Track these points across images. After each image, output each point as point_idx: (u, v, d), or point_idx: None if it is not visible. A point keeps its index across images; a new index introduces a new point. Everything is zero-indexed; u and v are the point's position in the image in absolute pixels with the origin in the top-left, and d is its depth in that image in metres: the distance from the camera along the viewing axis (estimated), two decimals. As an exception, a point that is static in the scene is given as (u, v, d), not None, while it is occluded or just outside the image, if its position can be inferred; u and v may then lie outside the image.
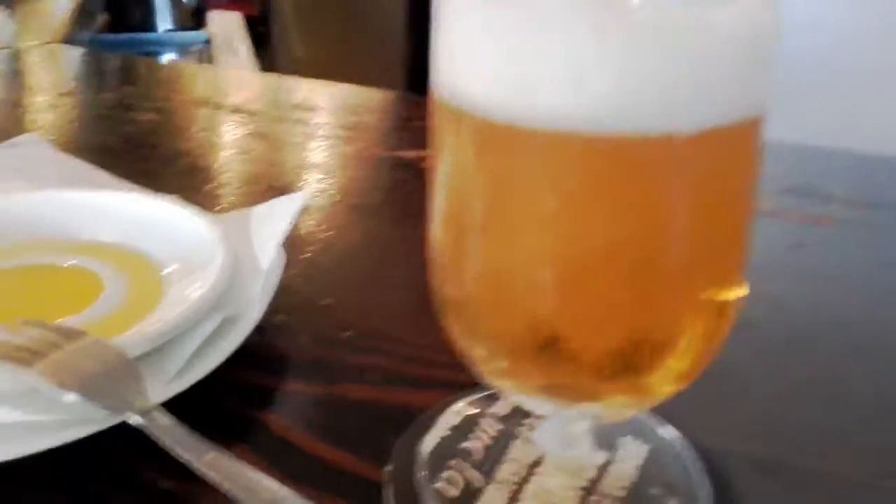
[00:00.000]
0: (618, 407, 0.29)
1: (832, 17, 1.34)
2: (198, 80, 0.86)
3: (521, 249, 0.27)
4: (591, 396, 0.29)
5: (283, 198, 0.43)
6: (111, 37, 2.36)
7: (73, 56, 0.94)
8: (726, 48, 0.24)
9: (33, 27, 1.09)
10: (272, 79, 1.02)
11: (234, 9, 3.36)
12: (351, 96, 0.80)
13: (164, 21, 2.46)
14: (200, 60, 2.41)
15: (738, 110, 0.25)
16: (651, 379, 0.28)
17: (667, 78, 0.23)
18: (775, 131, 0.71)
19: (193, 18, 2.50)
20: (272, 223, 0.41)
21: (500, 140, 0.26)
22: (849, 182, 0.63)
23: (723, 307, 0.28)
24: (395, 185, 0.61)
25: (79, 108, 0.73)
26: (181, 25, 2.48)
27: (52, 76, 0.84)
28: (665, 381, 0.28)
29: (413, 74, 3.09)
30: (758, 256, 0.50)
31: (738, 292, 0.29)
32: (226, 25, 2.73)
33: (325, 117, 0.74)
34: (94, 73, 0.87)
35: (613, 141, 0.24)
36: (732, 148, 0.26)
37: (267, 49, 3.43)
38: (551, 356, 0.28)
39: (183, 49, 2.44)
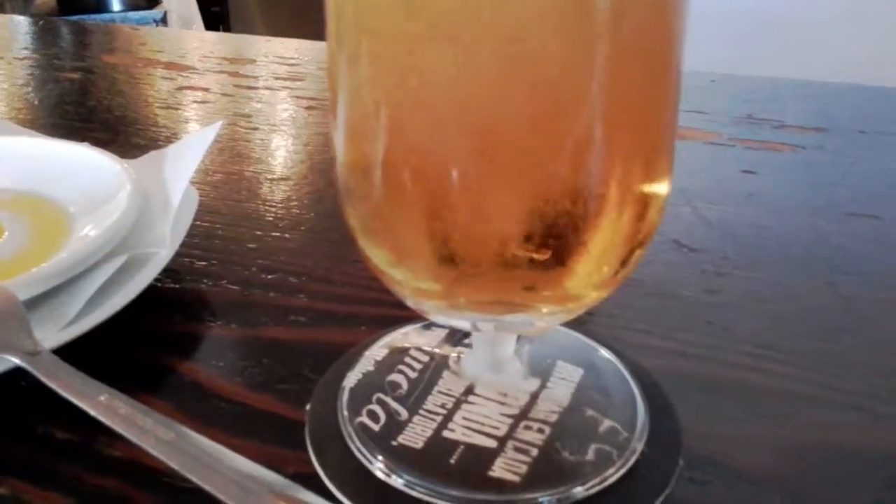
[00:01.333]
0: (543, 316, 0.27)
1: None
2: (130, 38, 0.82)
3: (415, 132, 0.24)
4: (515, 308, 0.27)
5: (197, 133, 0.40)
6: (62, 19, 2.29)
7: (3, 23, 0.90)
8: None
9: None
10: (207, 35, 0.99)
11: (189, -14, 3.29)
12: (290, 49, 0.77)
13: (115, 1, 2.39)
14: (155, 39, 2.35)
15: None
16: (573, 285, 0.26)
17: None
18: (728, 64, 0.69)
19: (146, -3, 2.44)
20: (185, 159, 0.38)
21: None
22: (800, 109, 0.61)
23: (648, 200, 0.26)
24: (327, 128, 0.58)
25: (4, 70, 0.70)
26: (134, 5, 2.41)
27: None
28: (588, 286, 0.26)
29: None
30: (707, 183, 0.49)
31: (665, 186, 0.26)
32: (181, 4, 2.66)
33: (263, 69, 0.71)
34: (20, 38, 0.83)
35: None
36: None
37: (224, 28, 3.37)
38: (469, 273, 0.26)
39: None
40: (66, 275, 0.31)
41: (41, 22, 0.85)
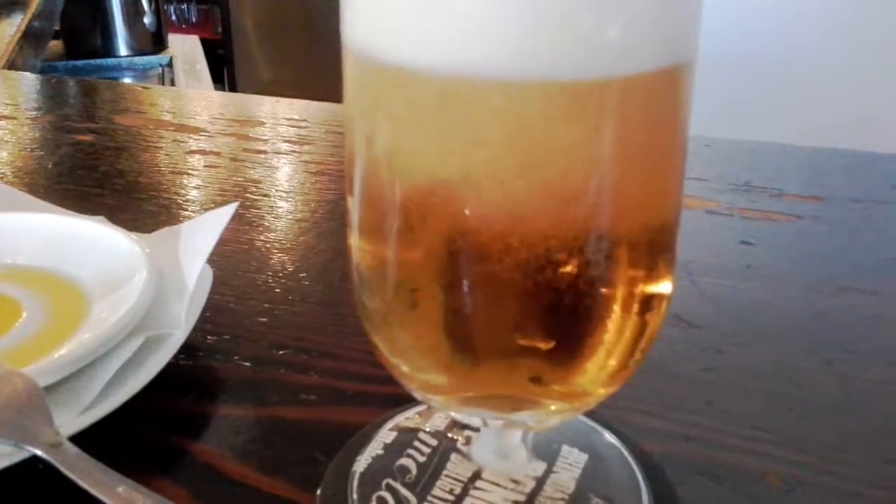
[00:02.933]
0: (551, 414, 0.28)
1: (785, 18, 1.35)
2: (141, 99, 0.84)
3: (430, 249, 0.26)
4: (523, 405, 0.28)
5: (212, 212, 0.41)
6: (67, 63, 2.33)
7: (14, 80, 0.92)
8: None
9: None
10: (218, 95, 1.01)
11: (193, 31, 3.35)
12: (300, 110, 0.78)
13: (122, 45, 2.43)
14: (162, 84, 2.38)
15: (661, 57, 0.23)
16: (581, 381, 0.27)
17: (573, 26, 0.21)
18: (726, 130, 0.71)
19: (153, 42, 2.48)
20: (200, 239, 0.40)
21: (402, 92, 0.23)
22: (799, 177, 0.63)
23: (653, 301, 0.27)
24: (341, 198, 0.59)
25: (15, 132, 0.71)
26: (140, 49, 2.45)
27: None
28: (596, 382, 0.27)
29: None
30: (706, 254, 0.50)
31: (668, 286, 0.28)
32: (186, 48, 2.70)
33: (272, 132, 0.72)
34: (34, 97, 0.85)
35: (521, 91, 0.22)
36: (667, 96, 0.24)
37: (228, 71, 3.41)
38: (478, 368, 0.27)
39: (142, 73, 2.41)
40: (85, 360, 0.32)
41: (53, 80, 0.87)
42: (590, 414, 0.35)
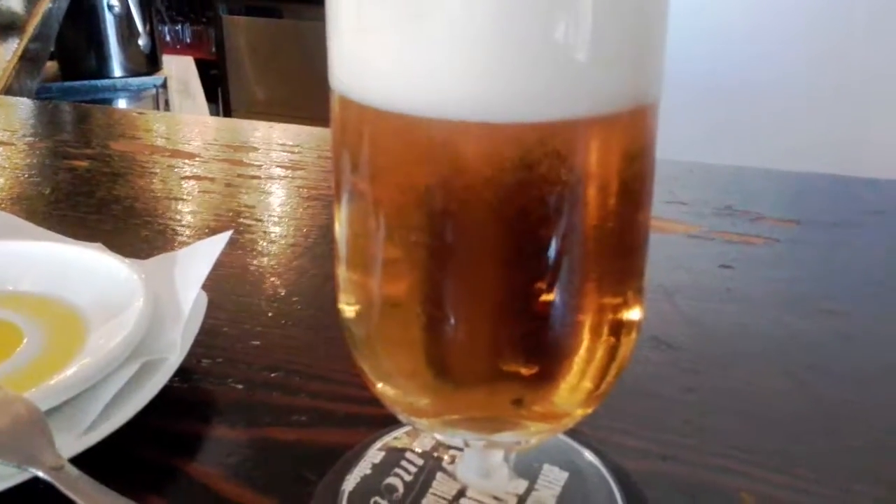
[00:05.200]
0: (531, 434, 0.29)
1: (765, 46, 1.38)
2: (136, 124, 0.86)
3: (413, 280, 0.27)
4: (504, 426, 0.29)
5: (207, 239, 0.43)
6: (62, 84, 2.35)
7: (11, 105, 0.93)
8: (609, 34, 0.23)
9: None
10: (212, 121, 1.02)
11: (187, 52, 3.37)
12: (293, 135, 0.80)
13: (117, 66, 2.45)
14: (157, 104, 2.40)
15: (628, 99, 0.24)
16: (559, 402, 0.28)
17: (538, 70, 0.22)
18: (708, 155, 0.73)
19: (147, 63, 2.49)
20: (195, 266, 0.41)
21: (384, 133, 0.25)
22: (778, 201, 0.64)
23: (623, 326, 0.29)
24: (331, 223, 0.61)
25: (12, 158, 0.73)
26: (135, 70, 2.47)
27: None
28: (573, 403, 0.28)
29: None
30: (685, 278, 0.51)
31: (638, 313, 0.29)
32: (180, 69, 2.73)
33: (266, 157, 0.74)
34: (31, 122, 0.86)
35: (491, 133, 0.23)
36: (632, 135, 0.26)
37: (222, 91, 3.44)
38: (460, 392, 0.29)
39: (137, 94, 2.43)
40: (85, 385, 0.33)
41: (49, 106, 0.88)
42: (570, 433, 0.36)
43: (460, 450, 0.34)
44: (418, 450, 0.35)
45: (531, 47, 0.22)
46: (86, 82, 2.39)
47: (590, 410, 0.29)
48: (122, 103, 2.42)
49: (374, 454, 0.35)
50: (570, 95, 0.23)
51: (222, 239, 0.41)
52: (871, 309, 0.49)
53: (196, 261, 0.41)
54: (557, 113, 0.23)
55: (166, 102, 2.40)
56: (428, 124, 0.23)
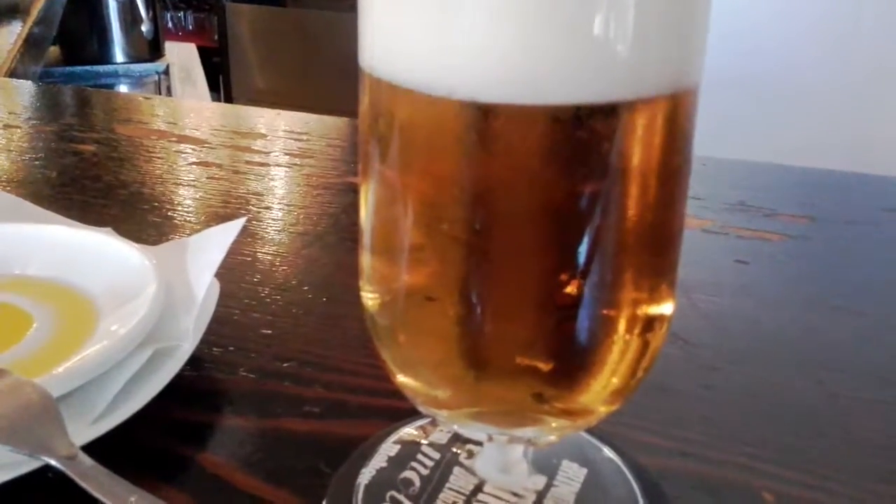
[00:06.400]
0: (553, 430, 0.29)
1: (779, 39, 1.37)
2: (143, 109, 0.85)
3: (440, 268, 0.26)
4: (526, 421, 0.28)
5: (220, 226, 0.42)
6: (64, 69, 2.34)
7: (16, 89, 0.92)
8: (650, 15, 0.22)
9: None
10: (219, 107, 1.01)
11: (191, 39, 3.36)
12: (301, 123, 0.79)
13: (119, 52, 2.43)
14: (158, 91, 2.39)
15: (667, 83, 0.24)
16: (584, 400, 0.28)
17: (573, 51, 0.22)
18: (723, 150, 0.72)
19: (150, 49, 2.48)
20: (208, 252, 0.40)
21: (418, 116, 0.24)
22: (792, 197, 0.64)
23: (654, 321, 0.28)
24: (343, 211, 0.60)
25: (19, 142, 0.72)
26: (137, 57, 2.46)
27: (-5, 110, 0.83)
28: (597, 401, 0.28)
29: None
30: (701, 273, 0.51)
31: (669, 307, 0.28)
32: (183, 56, 2.71)
33: (274, 144, 0.73)
34: (37, 106, 0.86)
35: (525, 116, 0.22)
36: (669, 123, 0.25)
37: (224, 79, 3.42)
38: (482, 384, 0.28)
39: (139, 81, 2.42)
40: (97, 371, 0.33)
41: (55, 89, 0.88)
42: (589, 429, 0.36)
43: (477, 444, 0.34)
44: (434, 443, 0.34)
45: (570, 28, 0.21)
46: (88, 68, 2.38)
47: (614, 408, 0.29)
48: (123, 89, 2.41)
49: (390, 447, 0.34)
50: (610, 77, 0.22)
51: (236, 226, 0.40)
52: (885, 307, 0.48)
53: (209, 247, 0.41)
54: (596, 95, 0.22)
55: (168, 89, 2.39)
56: (463, 107, 0.23)
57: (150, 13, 2.45)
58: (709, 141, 0.79)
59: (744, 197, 0.62)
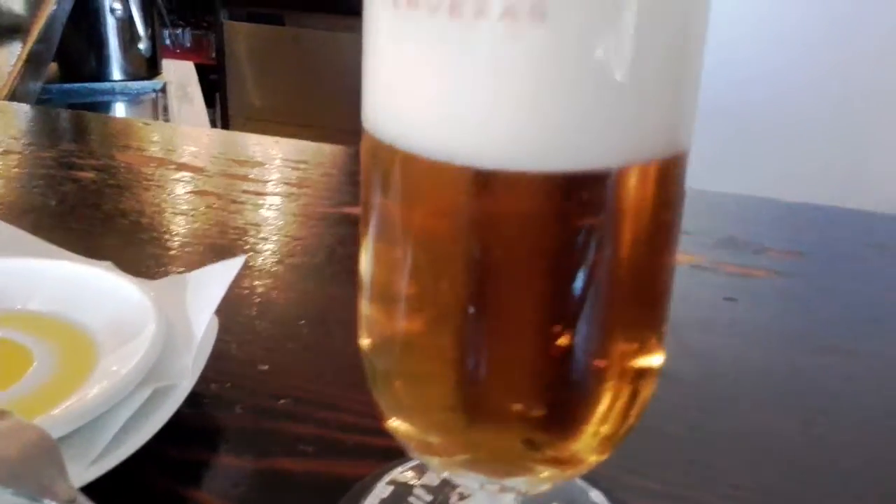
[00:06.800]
0: (543, 480, 0.29)
1: (768, 70, 1.39)
2: (141, 135, 0.86)
3: (437, 319, 0.27)
4: (517, 470, 0.29)
5: (220, 263, 0.43)
6: (62, 87, 2.34)
7: (15, 112, 0.93)
8: (645, 84, 0.24)
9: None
10: (217, 134, 1.02)
11: (188, 56, 3.37)
12: (298, 151, 0.80)
13: (117, 70, 2.45)
14: (155, 109, 2.40)
15: (658, 149, 0.25)
16: (574, 449, 0.28)
17: (572, 119, 0.23)
18: (711, 182, 0.73)
19: (147, 68, 2.49)
20: (208, 289, 0.41)
21: (421, 179, 0.25)
22: (781, 233, 0.65)
23: (644, 373, 0.29)
24: (339, 243, 0.61)
25: (18, 168, 0.73)
26: (135, 74, 2.47)
27: (-6, 134, 0.83)
28: (587, 450, 0.29)
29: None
30: (690, 310, 0.52)
31: (659, 358, 0.29)
32: (180, 74, 2.73)
33: (272, 173, 0.74)
34: (36, 131, 0.86)
35: (521, 181, 0.23)
36: (659, 186, 0.26)
37: (221, 98, 3.44)
38: (475, 432, 0.29)
39: (136, 98, 2.43)
40: (97, 411, 0.33)
41: (54, 113, 0.88)
42: (579, 471, 0.36)
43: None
44: (427, 485, 0.35)
45: (567, 100, 0.22)
46: (85, 85, 2.39)
47: (604, 457, 0.29)
48: (120, 107, 2.42)
49: (383, 488, 0.35)
50: (604, 145, 0.23)
51: (236, 264, 0.41)
52: (872, 347, 0.49)
53: (209, 284, 0.41)
54: (590, 163, 0.23)
55: (165, 108, 2.40)
56: (462, 172, 0.23)
57: (149, 31, 2.46)
58: (701, 173, 0.80)
59: (734, 232, 0.64)
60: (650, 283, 0.27)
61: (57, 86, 2.34)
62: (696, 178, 0.73)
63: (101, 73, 2.42)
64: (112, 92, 2.42)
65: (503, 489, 0.29)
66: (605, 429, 0.28)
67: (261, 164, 0.76)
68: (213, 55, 3.49)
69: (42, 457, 0.30)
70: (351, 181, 0.74)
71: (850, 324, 0.52)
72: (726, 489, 0.36)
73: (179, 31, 3.74)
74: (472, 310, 0.26)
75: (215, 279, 0.42)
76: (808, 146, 1.35)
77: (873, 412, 0.43)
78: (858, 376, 0.46)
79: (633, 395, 0.28)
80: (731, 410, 0.42)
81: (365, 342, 0.30)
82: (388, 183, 0.26)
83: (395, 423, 0.30)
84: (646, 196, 0.25)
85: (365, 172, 0.28)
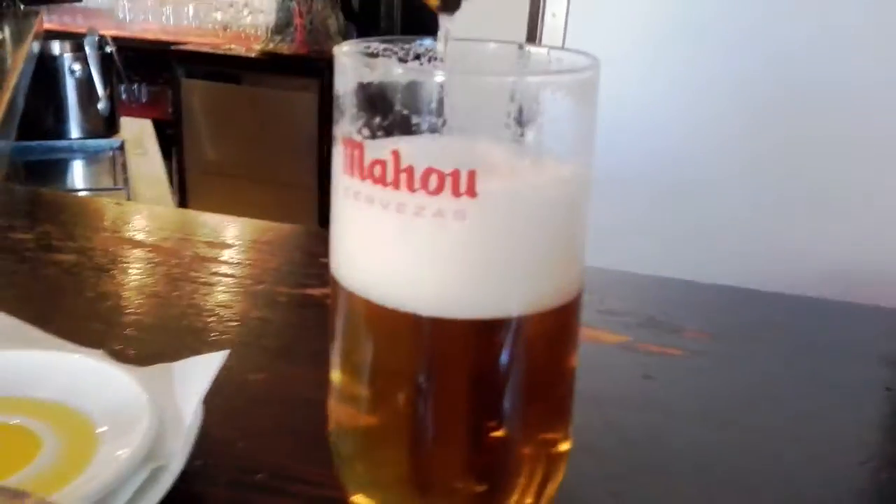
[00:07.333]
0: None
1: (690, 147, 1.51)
2: (114, 216, 0.92)
3: (391, 419, 0.35)
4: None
5: (204, 356, 0.49)
6: (20, 144, 2.37)
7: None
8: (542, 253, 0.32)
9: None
10: (192, 215, 1.08)
11: (145, 110, 3.42)
12: (261, 232, 0.87)
13: (75, 128, 2.49)
14: (114, 166, 2.44)
15: (553, 300, 0.33)
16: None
17: (485, 282, 0.31)
18: (631, 263, 0.82)
19: (105, 126, 2.54)
20: (193, 380, 0.47)
21: (378, 319, 0.33)
22: (699, 313, 0.74)
23: (556, 457, 0.36)
24: (304, 324, 0.68)
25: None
26: (92, 132, 2.51)
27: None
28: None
29: (325, 177, 3.20)
30: (610, 387, 0.60)
31: (566, 445, 0.37)
32: (137, 131, 2.77)
33: (238, 255, 0.81)
34: (12, 212, 0.92)
35: (453, 324, 0.32)
36: (554, 325, 0.34)
37: (177, 152, 3.48)
38: (426, 501, 0.36)
39: (94, 156, 2.47)
40: (106, 490, 0.40)
41: (33, 194, 0.94)
42: (512, 535, 0.43)
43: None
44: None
45: (479, 268, 0.31)
46: (43, 143, 2.42)
47: (529, 525, 0.36)
48: (78, 164, 2.46)
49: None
50: (509, 300, 0.31)
51: (219, 357, 0.48)
52: (765, 421, 0.57)
53: (193, 374, 0.48)
54: (498, 312, 0.31)
55: (123, 165, 2.44)
56: (405, 315, 0.31)
57: (107, 91, 2.52)
58: (626, 258, 0.89)
59: (653, 312, 0.72)
60: (554, 389, 0.35)
61: (16, 143, 2.37)
62: (625, 260, 0.81)
63: (60, 132, 2.46)
64: (70, 150, 2.46)
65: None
66: (528, 499, 0.36)
67: (230, 246, 0.83)
68: (170, 110, 3.55)
69: (62, 533, 0.36)
70: (310, 263, 0.80)
71: (751, 401, 0.60)
72: (635, 549, 0.44)
73: (136, 85, 3.79)
74: (416, 414, 0.34)
75: (200, 370, 0.48)
76: (738, 224, 1.46)
77: (758, 479, 0.51)
78: (758, 451, 0.54)
79: (548, 475, 0.36)
80: (645, 479, 0.50)
81: (332, 430, 0.38)
82: (350, 318, 0.34)
83: (359, 499, 0.37)
84: (546, 330, 0.33)
85: (332, 303, 0.35)
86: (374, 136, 0.31)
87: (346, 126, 0.31)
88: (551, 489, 0.37)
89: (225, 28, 3.71)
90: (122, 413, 0.46)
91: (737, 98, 1.44)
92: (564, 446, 0.36)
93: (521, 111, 0.31)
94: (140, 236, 0.84)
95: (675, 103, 1.53)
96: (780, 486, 0.50)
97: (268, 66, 3.40)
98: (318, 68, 3.20)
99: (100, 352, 0.53)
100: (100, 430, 0.46)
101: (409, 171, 0.29)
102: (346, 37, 3.33)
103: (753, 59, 1.42)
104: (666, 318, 0.71)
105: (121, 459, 0.41)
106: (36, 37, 2.43)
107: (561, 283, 0.32)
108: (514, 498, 0.36)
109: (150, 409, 0.45)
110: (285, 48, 3.43)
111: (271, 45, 3.47)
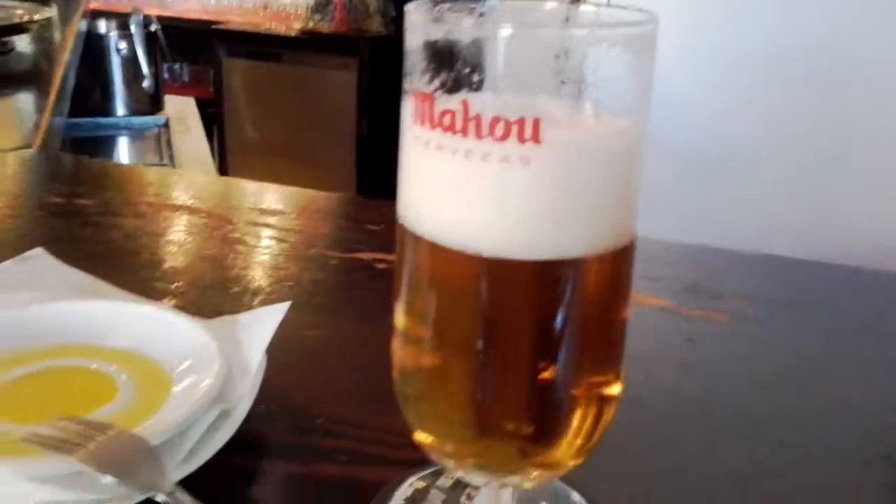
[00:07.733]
0: (533, 478, 0.39)
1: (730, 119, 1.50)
2: (166, 185, 0.95)
3: (454, 359, 0.37)
4: (513, 471, 0.38)
5: (268, 308, 0.52)
6: (69, 121, 2.43)
7: (49, 161, 1.02)
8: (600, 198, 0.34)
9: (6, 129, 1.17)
10: (240, 184, 1.12)
11: (187, 90, 3.48)
12: (310, 200, 0.90)
13: (121, 106, 2.54)
14: (159, 143, 2.49)
15: (614, 239, 0.35)
16: (556, 456, 0.38)
17: (549, 224, 0.33)
18: (676, 232, 0.83)
19: (151, 103, 2.59)
20: (258, 330, 0.50)
21: (444, 261, 0.35)
22: (739, 280, 0.75)
23: (606, 399, 0.38)
24: (355, 286, 0.70)
25: (61, 217, 0.82)
26: (138, 110, 2.57)
27: (33, 185, 0.92)
28: (566, 457, 0.38)
29: (363, 155, 3.23)
30: (654, 348, 0.61)
31: (618, 388, 0.39)
32: (181, 108, 2.83)
33: (290, 222, 0.83)
34: (75, 181, 0.96)
35: (515, 265, 0.34)
36: (610, 268, 0.36)
37: (218, 131, 3.54)
38: (481, 442, 0.38)
39: (140, 134, 2.53)
40: (185, 424, 0.42)
41: (97, 166, 0.97)
42: (562, 478, 0.46)
43: (475, 488, 0.43)
44: (441, 487, 0.44)
45: (544, 210, 0.33)
46: (90, 120, 2.48)
47: (579, 461, 0.39)
48: (124, 141, 2.52)
49: (406, 490, 0.44)
50: (571, 242, 0.33)
51: (281, 309, 0.50)
52: (801, 385, 0.59)
53: (258, 326, 0.51)
54: (562, 253, 0.33)
55: (168, 142, 2.50)
56: (470, 257, 0.33)
57: (152, 69, 2.57)
58: (677, 225, 0.89)
59: (697, 279, 0.73)
60: (608, 334, 0.37)
61: (64, 120, 2.43)
62: (674, 231, 0.82)
63: (107, 109, 2.51)
64: (117, 127, 2.51)
65: (502, 485, 0.39)
66: (578, 441, 0.38)
67: (282, 213, 0.86)
68: (212, 90, 3.60)
69: (145, 459, 0.39)
70: (358, 228, 0.83)
71: (789, 364, 0.62)
72: (683, 499, 0.46)
73: (178, 65, 3.84)
74: (477, 353, 0.36)
75: (264, 321, 0.51)
76: (769, 196, 1.46)
77: (791, 439, 0.52)
78: (790, 410, 0.55)
79: (598, 416, 0.38)
80: (686, 433, 0.52)
81: (397, 374, 0.40)
82: (416, 261, 0.36)
83: (421, 436, 0.39)
84: (603, 273, 0.35)
85: (399, 250, 0.37)
86: (442, 89, 0.33)
87: (416, 79, 0.33)
88: (600, 431, 0.39)
89: (265, 7, 3.74)
90: (192, 359, 0.49)
91: (783, 65, 1.43)
92: (615, 389, 0.38)
93: (579, 66, 0.33)
94: (195, 203, 0.88)
95: (718, 70, 1.51)
96: (817, 445, 0.52)
97: (307, 44, 3.43)
98: (358, 47, 3.22)
99: (168, 304, 0.55)
100: (172, 374, 0.49)
101: (477, 119, 0.31)
102: (384, 15, 3.34)
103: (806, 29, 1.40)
104: (709, 284, 0.73)
105: (193, 399, 0.44)
106: (83, 16, 2.49)
107: (617, 229, 0.34)
108: (567, 438, 0.38)
109: (219, 354, 0.47)
110: (325, 27, 3.45)
111: (311, 24, 3.50)
